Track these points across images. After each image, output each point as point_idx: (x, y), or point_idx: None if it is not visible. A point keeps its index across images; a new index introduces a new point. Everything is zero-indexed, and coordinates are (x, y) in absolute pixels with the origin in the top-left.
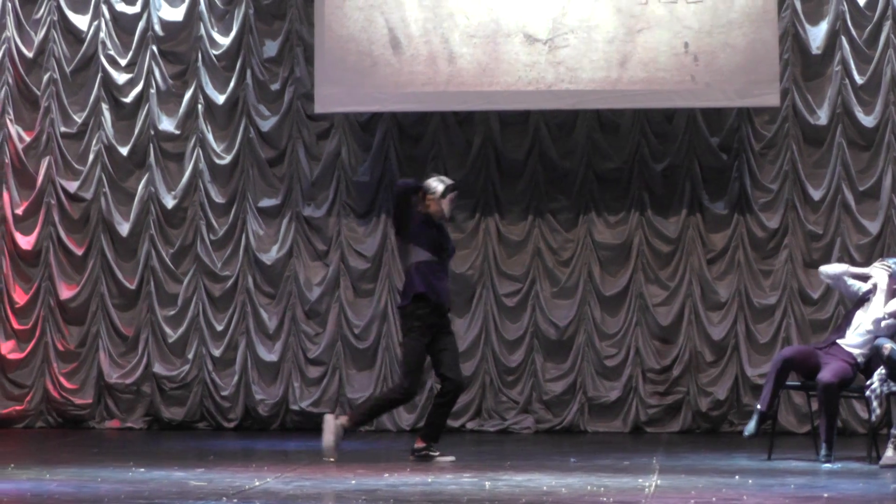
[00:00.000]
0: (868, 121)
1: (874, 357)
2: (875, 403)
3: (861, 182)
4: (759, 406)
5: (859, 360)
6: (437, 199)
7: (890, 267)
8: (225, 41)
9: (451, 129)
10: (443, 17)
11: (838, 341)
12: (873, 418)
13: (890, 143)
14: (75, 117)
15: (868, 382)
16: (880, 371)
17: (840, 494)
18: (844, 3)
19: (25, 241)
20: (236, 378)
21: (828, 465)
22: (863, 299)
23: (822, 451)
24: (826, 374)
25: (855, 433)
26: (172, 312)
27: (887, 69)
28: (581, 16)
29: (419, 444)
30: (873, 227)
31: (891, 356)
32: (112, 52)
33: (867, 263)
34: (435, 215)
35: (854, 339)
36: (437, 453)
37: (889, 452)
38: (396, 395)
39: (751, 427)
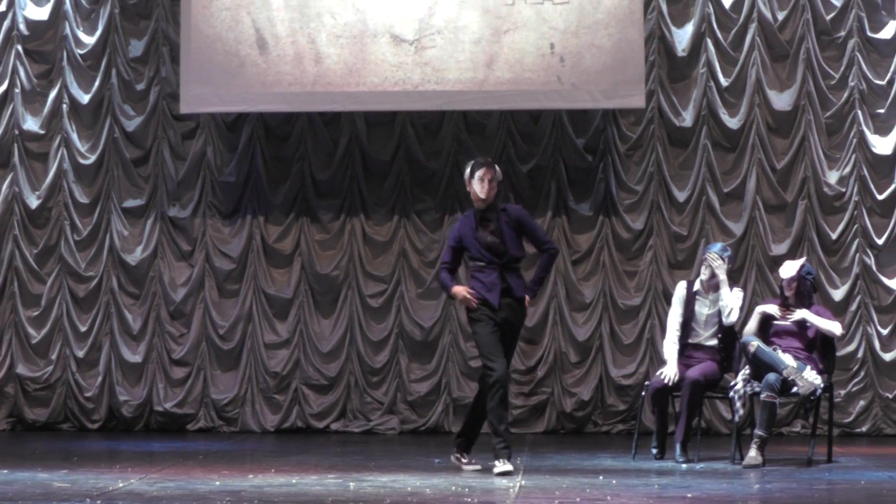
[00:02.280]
0: (733, 123)
1: (739, 354)
2: (738, 404)
3: (726, 183)
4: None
5: (717, 347)
6: (468, 182)
7: (721, 256)
8: (90, 40)
9: (317, 129)
10: (310, 18)
11: (693, 341)
12: (737, 419)
13: (755, 144)
14: None
15: (732, 383)
16: (744, 372)
17: (704, 494)
18: (710, 6)
19: None
20: (100, 379)
21: (686, 466)
22: (694, 293)
23: (678, 453)
24: (694, 372)
25: (719, 433)
26: (36, 313)
27: (752, 71)
28: (448, 16)
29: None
30: (737, 228)
31: (756, 354)
32: None
33: (731, 264)
34: (475, 202)
35: (707, 332)
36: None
37: (752, 453)
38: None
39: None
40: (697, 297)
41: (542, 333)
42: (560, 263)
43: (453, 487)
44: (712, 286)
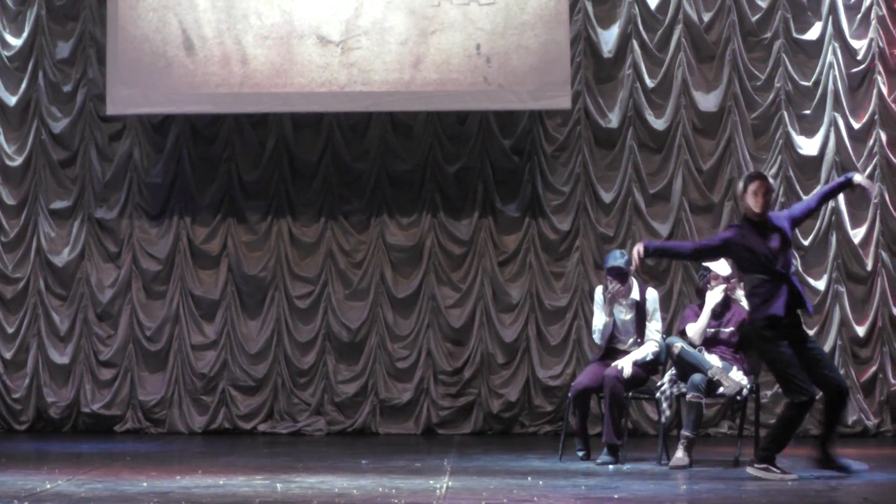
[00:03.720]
0: (659, 124)
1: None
2: (665, 405)
3: (652, 185)
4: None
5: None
6: (741, 196)
7: (618, 259)
8: (17, 42)
9: (244, 130)
10: (236, 19)
11: (616, 346)
12: (663, 420)
13: (680, 145)
14: None
15: (658, 384)
16: (670, 372)
17: (631, 495)
18: (636, 7)
19: None
20: (28, 380)
21: (613, 467)
22: (615, 297)
23: (604, 454)
24: (613, 371)
25: (646, 434)
26: None
27: (678, 72)
28: (374, 17)
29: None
30: (664, 229)
31: (681, 356)
32: None
33: (655, 267)
34: (750, 215)
35: (629, 339)
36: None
37: (679, 453)
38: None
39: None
40: (615, 302)
41: (469, 334)
42: (487, 264)
43: (380, 489)
44: (621, 293)
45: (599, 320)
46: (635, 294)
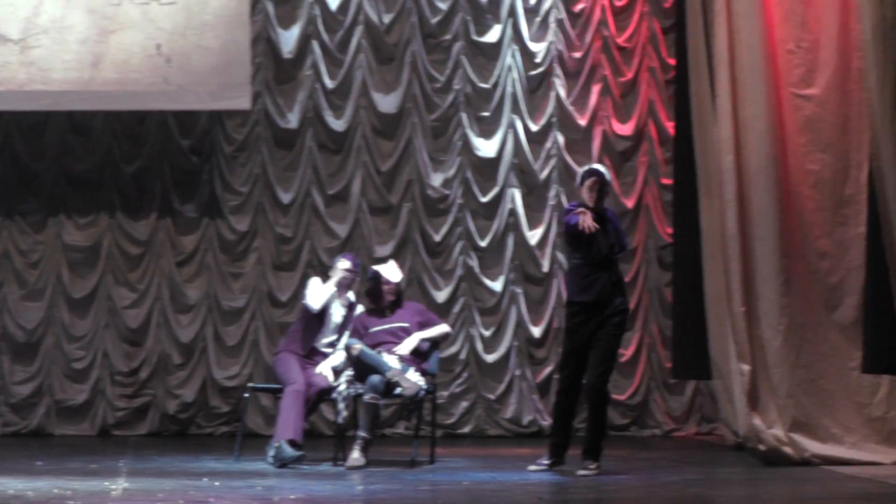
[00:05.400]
0: (338, 125)
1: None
2: (342, 405)
3: (330, 186)
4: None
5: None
6: (578, 189)
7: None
8: None
9: None
10: None
11: (317, 346)
12: (340, 420)
13: (360, 147)
14: None
15: (335, 384)
16: (348, 373)
17: (307, 496)
18: (317, 8)
19: None
20: None
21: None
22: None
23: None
24: (323, 381)
25: (322, 435)
26: None
27: (358, 74)
28: (54, 16)
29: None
30: (342, 230)
31: (360, 357)
32: None
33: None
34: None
35: (329, 339)
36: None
37: (355, 454)
38: None
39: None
40: (337, 297)
41: (146, 335)
42: (165, 265)
43: (55, 490)
44: (344, 286)
45: (325, 291)
46: (352, 296)
